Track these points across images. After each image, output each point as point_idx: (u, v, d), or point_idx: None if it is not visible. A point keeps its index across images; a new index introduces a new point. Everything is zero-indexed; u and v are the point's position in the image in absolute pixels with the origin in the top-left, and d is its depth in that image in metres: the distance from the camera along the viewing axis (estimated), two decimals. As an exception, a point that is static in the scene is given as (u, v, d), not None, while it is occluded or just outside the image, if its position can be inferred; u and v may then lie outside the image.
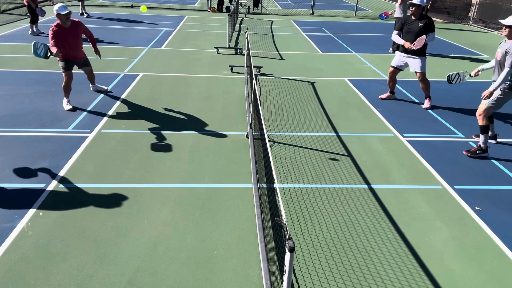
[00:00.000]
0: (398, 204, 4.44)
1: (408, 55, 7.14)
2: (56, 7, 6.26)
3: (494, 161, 5.47)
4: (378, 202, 4.46)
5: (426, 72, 7.24)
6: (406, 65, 7.29)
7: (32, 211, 4.05)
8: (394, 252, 3.71)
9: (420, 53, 7.03)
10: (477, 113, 5.55)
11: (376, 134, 6.20)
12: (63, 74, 6.64)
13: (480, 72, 5.88)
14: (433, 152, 5.68)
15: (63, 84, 6.68)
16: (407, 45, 6.98)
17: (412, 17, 7.07)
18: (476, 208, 4.42)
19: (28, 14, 12.24)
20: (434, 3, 16.29)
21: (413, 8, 6.97)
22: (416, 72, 7.19)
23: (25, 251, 3.54)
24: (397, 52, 7.44)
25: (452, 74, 6.26)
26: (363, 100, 7.66)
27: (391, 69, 7.47)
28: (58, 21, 6.39)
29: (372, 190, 4.69)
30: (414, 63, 7.12)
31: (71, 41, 6.54)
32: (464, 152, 5.56)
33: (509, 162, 5.46)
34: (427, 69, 7.33)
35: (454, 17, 19.40)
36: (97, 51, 7.08)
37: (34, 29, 12.08)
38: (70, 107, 6.60)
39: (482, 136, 5.48)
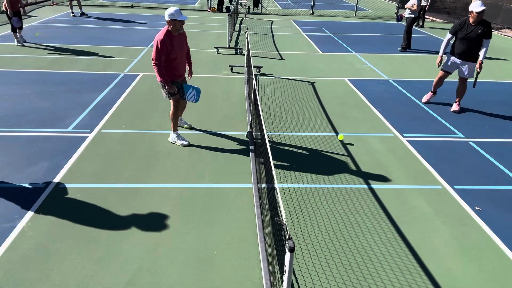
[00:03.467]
0: (398, 204, 4.44)
1: (462, 60, 6.85)
2: (171, 10, 4.89)
3: (494, 161, 5.47)
4: (378, 202, 4.46)
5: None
6: (456, 68, 7.02)
7: (32, 211, 4.05)
8: (394, 252, 3.71)
9: (475, 59, 6.77)
10: None
11: (376, 134, 6.20)
12: (172, 100, 5.39)
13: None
14: (433, 152, 5.68)
15: (171, 112, 5.44)
16: (438, 61, 7.00)
17: (471, 23, 6.62)
18: (476, 208, 4.42)
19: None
20: (434, 3, 16.30)
21: (477, 14, 6.47)
22: (461, 76, 6.98)
23: (25, 251, 3.54)
24: (449, 55, 7.10)
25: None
26: (363, 100, 7.66)
27: (442, 73, 7.20)
28: (167, 29, 5.01)
29: (372, 190, 4.69)
30: (465, 68, 6.87)
31: (180, 54, 5.29)
32: None
33: (509, 162, 5.46)
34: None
35: (454, 17, 19.39)
36: (191, 71, 5.96)
37: (18, 36, 10.43)
38: (186, 142, 5.51)
39: None
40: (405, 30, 11.92)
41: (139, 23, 15.06)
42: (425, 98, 7.54)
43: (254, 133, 5.75)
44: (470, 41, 6.68)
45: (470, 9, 6.57)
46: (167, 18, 4.92)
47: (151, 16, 16.78)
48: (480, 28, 6.54)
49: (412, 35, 12.26)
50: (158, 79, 5.16)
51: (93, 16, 16.01)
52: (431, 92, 7.52)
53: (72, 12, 15.67)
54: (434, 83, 7.45)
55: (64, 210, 4.10)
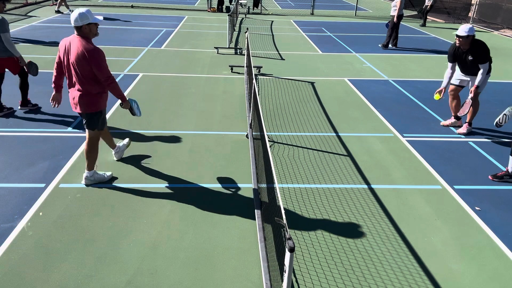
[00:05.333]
0: (398, 204, 4.44)
1: (470, 76, 6.19)
2: (83, 12, 4.00)
3: (494, 161, 5.47)
4: (378, 202, 4.46)
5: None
6: (467, 82, 6.32)
7: (32, 211, 4.05)
8: (394, 252, 3.71)
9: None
10: None
11: (376, 134, 6.20)
12: (92, 132, 4.42)
13: None
14: (433, 152, 5.68)
15: (89, 148, 4.46)
16: (439, 94, 6.26)
17: (462, 49, 5.98)
18: (476, 208, 4.42)
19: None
20: (434, 3, 16.30)
21: (460, 39, 5.84)
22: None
23: (25, 251, 3.54)
24: (458, 70, 6.35)
25: (499, 118, 5.16)
26: (363, 100, 7.66)
27: (452, 87, 6.41)
28: (86, 37, 4.12)
29: (372, 190, 4.69)
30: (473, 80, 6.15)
31: None
32: (490, 177, 5.02)
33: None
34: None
35: (454, 17, 19.39)
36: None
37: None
38: (110, 173, 4.70)
39: None
40: (390, 27, 12.07)
41: (139, 23, 15.07)
42: (446, 122, 6.67)
43: (254, 133, 5.74)
44: (465, 65, 6.11)
45: None
46: (80, 23, 3.97)
47: (151, 16, 16.78)
48: (470, 54, 5.91)
49: (399, 34, 12.54)
50: (121, 97, 4.30)
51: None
52: (466, 123, 6.38)
53: (58, 10, 15.79)
54: (452, 105, 6.51)
55: (64, 210, 4.10)
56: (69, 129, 5.91)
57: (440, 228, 4.08)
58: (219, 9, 19.05)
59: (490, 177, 5.02)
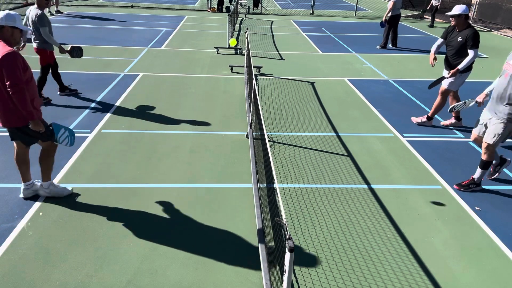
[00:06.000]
0: (398, 204, 4.44)
1: (446, 70, 6.23)
2: (8, 13, 3.71)
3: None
4: (378, 202, 4.46)
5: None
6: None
7: (32, 211, 4.05)
8: (394, 252, 3.71)
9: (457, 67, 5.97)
10: (484, 148, 4.57)
11: (376, 134, 6.20)
12: (18, 144, 4.20)
13: (488, 97, 4.77)
14: (433, 152, 5.68)
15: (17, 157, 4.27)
16: (430, 61, 6.29)
17: (456, 30, 5.99)
18: (476, 208, 4.42)
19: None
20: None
21: (453, 19, 5.87)
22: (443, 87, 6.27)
23: (25, 251, 3.53)
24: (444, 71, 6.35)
25: (457, 105, 5.28)
26: (363, 100, 7.66)
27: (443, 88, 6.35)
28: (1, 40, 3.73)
29: (372, 190, 4.69)
30: (447, 78, 6.18)
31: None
32: (455, 186, 4.79)
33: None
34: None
35: (454, 17, 19.39)
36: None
37: None
38: (69, 189, 4.38)
39: (480, 171, 4.68)
40: (386, 28, 12.09)
41: (139, 23, 15.07)
42: (445, 122, 6.68)
43: (254, 133, 5.74)
44: (451, 49, 6.06)
45: None
46: (4, 23, 3.62)
47: (151, 16, 16.78)
48: (461, 36, 5.87)
49: (398, 34, 12.58)
50: (27, 113, 3.68)
51: (93, 16, 16.01)
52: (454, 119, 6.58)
53: (50, 11, 15.83)
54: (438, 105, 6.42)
55: (64, 210, 4.09)
56: (69, 129, 5.91)
57: (440, 228, 4.08)
58: (219, 9, 19.06)
59: (455, 186, 4.78)
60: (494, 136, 4.44)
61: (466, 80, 6.27)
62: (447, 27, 6.32)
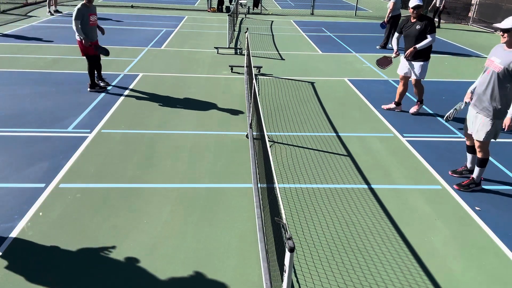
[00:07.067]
0: (398, 204, 4.44)
1: (410, 60, 6.70)
2: None
3: (494, 161, 5.47)
4: (378, 202, 4.46)
5: (428, 73, 6.99)
6: (410, 72, 6.81)
7: (32, 211, 4.05)
8: (394, 252, 3.71)
9: (421, 57, 6.55)
10: (478, 147, 4.63)
11: (376, 134, 6.20)
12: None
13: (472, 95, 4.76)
14: (433, 152, 5.68)
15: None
16: (397, 52, 6.88)
17: (411, 20, 6.55)
18: (476, 208, 4.42)
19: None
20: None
21: (414, 10, 6.42)
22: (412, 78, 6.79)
23: (25, 250, 3.53)
24: (401, 57, 6.95)
25: (450, 112, 5.12)
26: (363, 100, 7.66)
27: (400, 75, 6.98)
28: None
29: (372, 190, 4.69)
30: (414, 68, 6.69)
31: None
32: (455, 186, 4.80)
33: (509, 162, 5.46)
34: (431, 69, 7.23)
35: (454, 17, 19.40)
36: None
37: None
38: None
39: (478, 170, 4.69)
40: (387, 28, 12.09)
41: (139, 23, 15.07)
42: (387, 106, 7.27)
43: (254, 133, 5.74)
44: (411, 39, 6.53)
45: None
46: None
47: (151, 16, 16.78)
48: (419, 24, 6.41)
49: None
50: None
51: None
52: (395, 104, 7.19)
53: (49, 11, 15.81)
54: (398, 91, 7.09)
55: (64, 210, 4.09)
56: (69, 129, 5.91)
57: (440, 228, 4.08)
58: (219, 9, 19.05)
59: (455, 186, 4.79)
60: (484, 133, 4.51)
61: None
62: (400, 21, 7.16)
